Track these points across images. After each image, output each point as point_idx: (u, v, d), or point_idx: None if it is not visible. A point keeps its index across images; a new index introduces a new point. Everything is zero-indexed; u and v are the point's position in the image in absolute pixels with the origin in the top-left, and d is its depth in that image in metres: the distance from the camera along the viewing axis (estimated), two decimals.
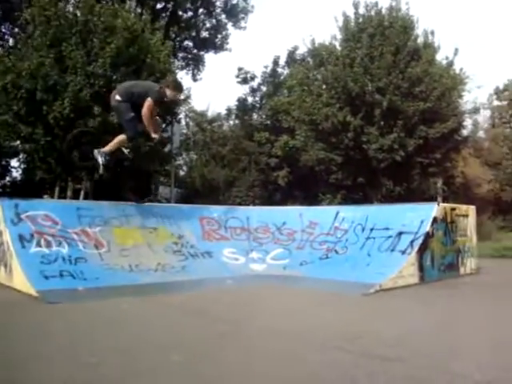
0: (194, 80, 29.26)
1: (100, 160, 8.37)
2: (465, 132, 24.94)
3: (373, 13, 21.37)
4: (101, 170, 8.43)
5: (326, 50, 21.89)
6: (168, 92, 8.45)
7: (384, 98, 19.48)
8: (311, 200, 21.59)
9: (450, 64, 22.01)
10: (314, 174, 23.50)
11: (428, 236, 8.50)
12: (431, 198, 22.84)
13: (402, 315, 5.86)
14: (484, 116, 46.65)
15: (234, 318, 5.43)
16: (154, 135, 8.36)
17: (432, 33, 21.48)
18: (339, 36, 22.01)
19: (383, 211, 9.78)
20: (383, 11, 21.33)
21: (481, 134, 45.41)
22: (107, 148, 8.48)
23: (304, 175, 24.58)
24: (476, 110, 25.46)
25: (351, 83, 19.82)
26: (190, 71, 29.30)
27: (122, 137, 8.50)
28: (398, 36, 20.50)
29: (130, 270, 7.96)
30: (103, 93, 14.48)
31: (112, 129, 14.00)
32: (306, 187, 24.84)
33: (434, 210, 8.79)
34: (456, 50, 21.66)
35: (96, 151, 8.42)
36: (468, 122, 32.65)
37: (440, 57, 21.84)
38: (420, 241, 8.33)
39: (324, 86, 21.37)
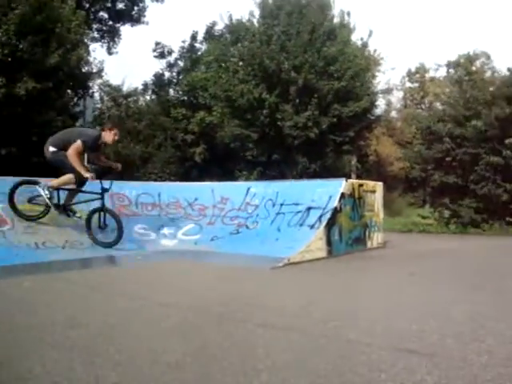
0: (109, 53, 28.52)
1: (43, 194, 8.10)
2: (378, 111, 25.76)
3: None
4: (50, 205, 8.17)
5: (243, 26, 21.82)
6: (106, 135, 8.37)
7: (299, 76, 19.69)
8: (228, 177, 21.59)
9: (365, 45, 22.64)
10: (230, 151, 23.53)
11: (336, 211, 8.73)
12: (346, 175, 23.36)
13: (307, 287, 5.97)
14: (397, 97, 48.51)
15: (138, 294, 5.34)
16: (86, 175, 7.91)
17: (348, 14, 21.97)
18: (257, 13, 22.01)
19: (293, 187, 9.96)
20: None
21: (394, 114, 47.20)
22: (52, 183, 8.18)
23: (220, 152, 24.58)
24: (389, 91, 26.27)
25: (267, 60, 19.88)
26: (106, 44, 28.48)
27: (70, 176, 8.08)
28: (315, 15, 20.71)
29: (36, 248, 7.71)
30: (8, 62, 13.79)
31: (18, 102, 13.42)
32: (222, 164, 24.85)
33: (341, 185, 9.03)
34: (370, 31, 22.36)
35: (38, 186, 8.17)
36: (381, 102, 33.75)
37: (355, 37, 22.37)
38: (328, 216, 8.55)
39: (241, 63, 21.34)
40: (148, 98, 30.76)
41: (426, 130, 17.99)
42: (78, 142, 7.92)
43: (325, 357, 3.22)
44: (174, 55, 29.44)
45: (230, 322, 4.11)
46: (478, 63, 45.85)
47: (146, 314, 4.45)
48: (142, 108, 28.90)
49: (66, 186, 8.36)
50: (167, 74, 29.75)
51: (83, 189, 8.46)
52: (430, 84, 47.52)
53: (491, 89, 17.54)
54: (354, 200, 9.49)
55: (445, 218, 17.17)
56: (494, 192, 15.75)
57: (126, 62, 46.55)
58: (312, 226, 8.52)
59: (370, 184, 10.48)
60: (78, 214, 8.49)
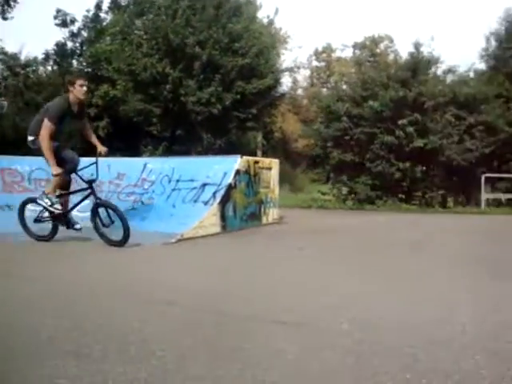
0: (4, 18, 26.74)
1: (44, 203, 7.29)
2: (283, 89, 26.15)
3: None
4: (52, 210, 7.29)
5: None
6: (73, 93, 7.16)
7: (204, 52, 19.64)
8: (132, 152, 21.24)
9: (271, 23, 22.89)
10: (134, 125, 23.16)
11: (230, 187, 8.91)
12: (251, 152, 23.71)
13: (195, 263, 6.11)
14: (304, 75, 49.43)
15: (13, 272, 5.29)
16: (54, 170, 6.98)
17: None
18: None
19: (190, 163, 10.04)
20: None
21: (300, 92, 48.04)
22: (48, 190, 7.39)
23: (125, 126, 24.08)
24: (294, 69, 26.66)
25: (172, 34, 19.68)
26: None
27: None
28: None
29: None
30: None
31: None
32: (127, 138, 24.36)
33: (237, 162, 9.20)
34: (276, 9, 22.63)
35: (38, 199, 7.40)
36: (287, 80, 34.23)
37: (261, 15, 22.55)
38: (222, 192, 8.72)
39: (145, 36, 20.95)
40: (49, 68, 29.49)
41: (326, 108, 18.51)
42: (45, 122, 6.95)
43: (198, 330, 3.36)
44: (78, 24, 28.28)
45: (112, 299, 4.16)
46: (382, 46, 47.51)
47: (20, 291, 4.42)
48: (42, 79, 27.68)
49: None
50: (70, 44, 28.56)
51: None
52: (336, 64, 48.74)
53: (392, 71, 18.28)
54: (250, 177, 9.70)
55: (343, 194, 17.89)
56: (387, 170, 16.59)
57: (25, 29, 43.95)
58: (206, 203, 8.66)
59: (265, 161, 10.74)
60: (77, 226, 7.46)
